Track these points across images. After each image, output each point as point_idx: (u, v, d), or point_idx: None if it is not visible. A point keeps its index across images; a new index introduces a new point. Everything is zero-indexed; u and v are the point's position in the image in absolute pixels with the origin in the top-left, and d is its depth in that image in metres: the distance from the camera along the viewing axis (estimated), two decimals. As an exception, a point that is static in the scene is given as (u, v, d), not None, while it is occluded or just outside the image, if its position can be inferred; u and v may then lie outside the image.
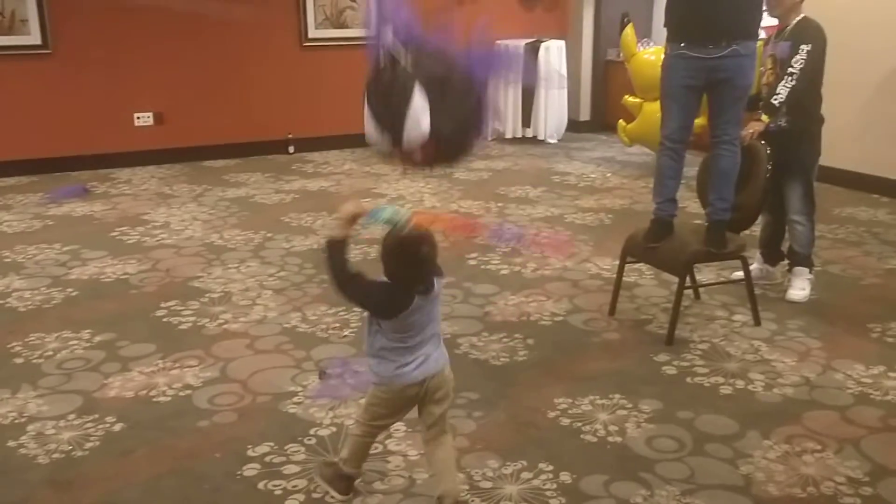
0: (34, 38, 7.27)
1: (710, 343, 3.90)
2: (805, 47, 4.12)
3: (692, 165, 4.48)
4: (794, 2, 4.21)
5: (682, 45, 3.82)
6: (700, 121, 4.49)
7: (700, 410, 3.27)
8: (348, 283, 2.43)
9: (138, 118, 7.80)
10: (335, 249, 2.42)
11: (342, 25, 8.44)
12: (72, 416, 3.23)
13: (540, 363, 3.71)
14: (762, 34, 4.02)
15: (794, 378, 3.56)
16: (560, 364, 3.71)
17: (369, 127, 2.33)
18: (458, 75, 2.30)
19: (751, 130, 4.06)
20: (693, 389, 3.46)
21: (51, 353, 3.81)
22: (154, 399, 3.39)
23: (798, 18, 4.22)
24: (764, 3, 4.22)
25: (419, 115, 2.21)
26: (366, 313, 2.53)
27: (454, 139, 2.35)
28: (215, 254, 5.23)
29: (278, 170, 7.64)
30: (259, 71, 8.05)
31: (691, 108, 3.94)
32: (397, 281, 2.44)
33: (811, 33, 4.17)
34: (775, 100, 4.11)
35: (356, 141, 8.68)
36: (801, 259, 4.45)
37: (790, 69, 4.11)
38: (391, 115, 2.24)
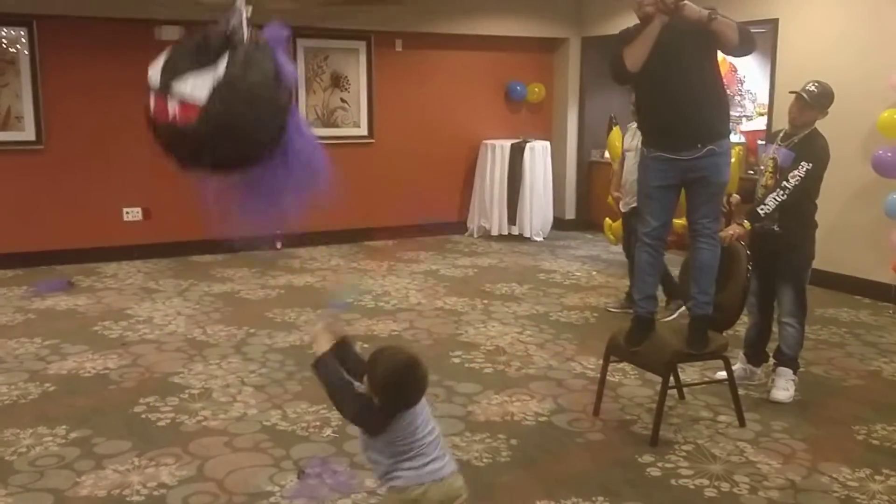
0: (28, 134, 7.39)
1: (695, 444, 3.86)
2: (806, 165, 4.18)
3: (674, 265, 4.53)
4: (816, 118, 4.31)
5: (658, 148, 3.92)
6: (680, 221, 4.56)
7: (684, 514, 3.22)
8: (340, 385, 2.43)
9: (127, 213, 7.86)
10: (323, 363, 2.45)
11: (333, 125, 8.63)
12: (41, 517, 3.15)
13: (523, 464, 3.66)
14: (741, 137, 4.13)
15: (779, 481, 3.51)
16: (543, 465, 3.65)
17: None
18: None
19: (731, 233, 4.12)
20: (677, 492, 3.41)
21: (24, 449, 3.73)
22: (127, 498, 3.30)
23: (808, 130, 4.31)
24: (793, 110, 4.30)
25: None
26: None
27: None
28: (197, 349, 5.19)
29: (265, 265, 7.67)
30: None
31: (669, 206, 4.00)
32: (383, 401, 2.40)
33: (816, 151, 4.23)
34: (762, 210, 4.18)
35: (344, 237, 8.80)
36: (787, 360, 4.44)
37: (785, 183, 4.18)
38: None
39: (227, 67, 2.10)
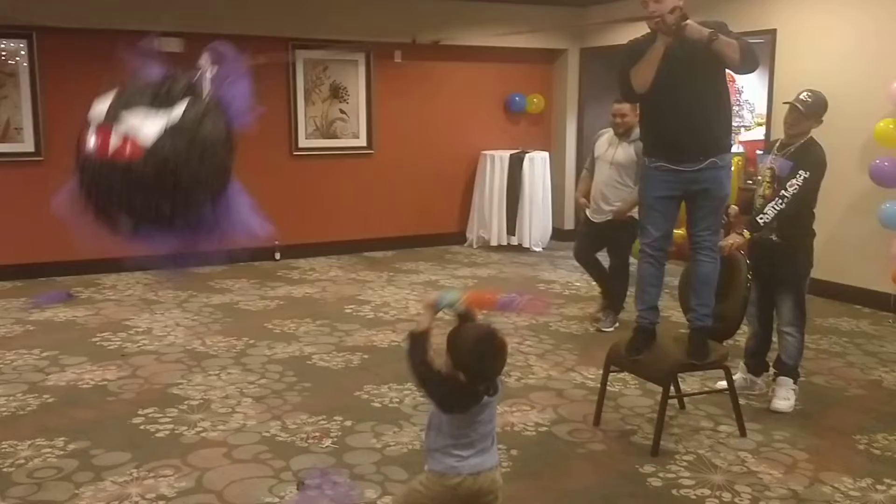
0: (28, 145, 7.40)
1: (696, 454, 3.85)
2: (803, 174, 4.19)
3: (674, 275, 4.52)
4: (811, 127, 4.31)
5: (661, 158, 3.91)
6: (680, 231, 4.56)
7: (686, 524, 3.20)
8: (424, 370, 2.51)
9: (126, 224, 7.85)
10: (417, 340, 2.52)
11: (332, 136, 8.64)
12: (39, 529, 3.13)
13: (523, 475, 3.64)
14: (740, 148, 4.14)
15: (781, 491, 3.50)
16: (544, 476, 3.64)
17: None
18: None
19: (730, 242, 4.12)
20: (679, 502, 3.39)
21: (22, 461, 3.72)
22: (126, 510, 3.29)
23: (804, 139, 4.31)
24: (787, 120, 4.31)
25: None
26: (431, 407, 2.57)
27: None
28: (196, 360, 5.17)
29: (264, 276, 7.66)
30: (249, 178, 8.08)
31: (671, 217, 4.00)
32: (469, 374, 2.47)
33: (813, 160, 4.24)
34: (761, 219, 4.19)
35: (342, 248, 8.80)
36: (787, 370, 4.43)
37: (783, 192, 4.18)
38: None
39: (182, 115, 2.00)
